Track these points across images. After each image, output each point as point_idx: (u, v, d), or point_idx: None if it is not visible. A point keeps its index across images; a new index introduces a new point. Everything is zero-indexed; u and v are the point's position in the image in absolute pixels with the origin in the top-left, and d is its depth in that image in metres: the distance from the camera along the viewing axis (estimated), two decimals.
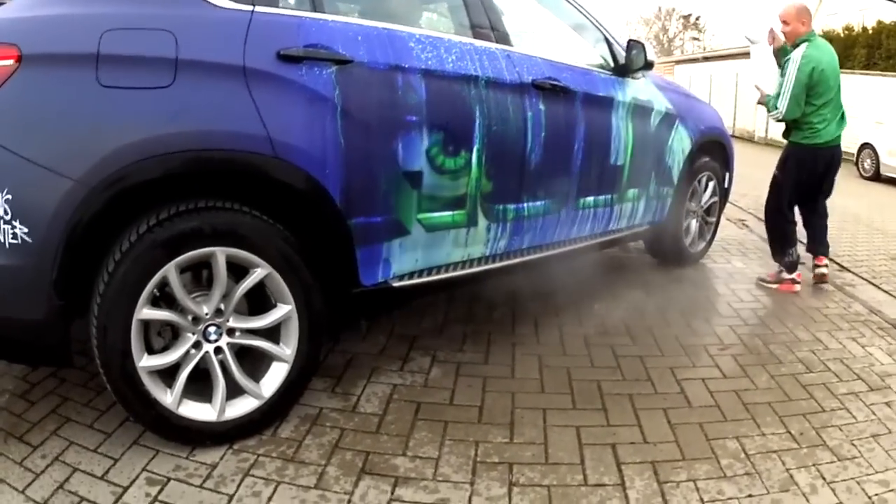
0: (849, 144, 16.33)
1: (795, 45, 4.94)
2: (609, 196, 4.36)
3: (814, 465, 2.77)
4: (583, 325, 4.17)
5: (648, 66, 4.30)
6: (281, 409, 2.85)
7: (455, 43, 3.27)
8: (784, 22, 4.99)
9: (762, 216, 7.77)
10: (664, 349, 3.86)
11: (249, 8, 2.64)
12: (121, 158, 2.31)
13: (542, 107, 3.59)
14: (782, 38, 5.10)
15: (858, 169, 15.07)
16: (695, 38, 51.72)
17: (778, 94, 4.97)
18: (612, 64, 4.36)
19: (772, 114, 5.06)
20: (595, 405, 3.17)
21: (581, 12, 4.31)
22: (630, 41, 4.34)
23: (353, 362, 3.47)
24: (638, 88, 4.49)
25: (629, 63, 4.32)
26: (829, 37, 20.67)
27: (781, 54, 5.09)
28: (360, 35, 2.89)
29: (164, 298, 2.58)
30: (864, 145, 15.03)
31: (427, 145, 3.07)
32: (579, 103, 3.88)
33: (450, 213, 3.28)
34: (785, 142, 5.30)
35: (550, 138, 3.66)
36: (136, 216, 2.47)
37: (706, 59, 29.86)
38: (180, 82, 2.41)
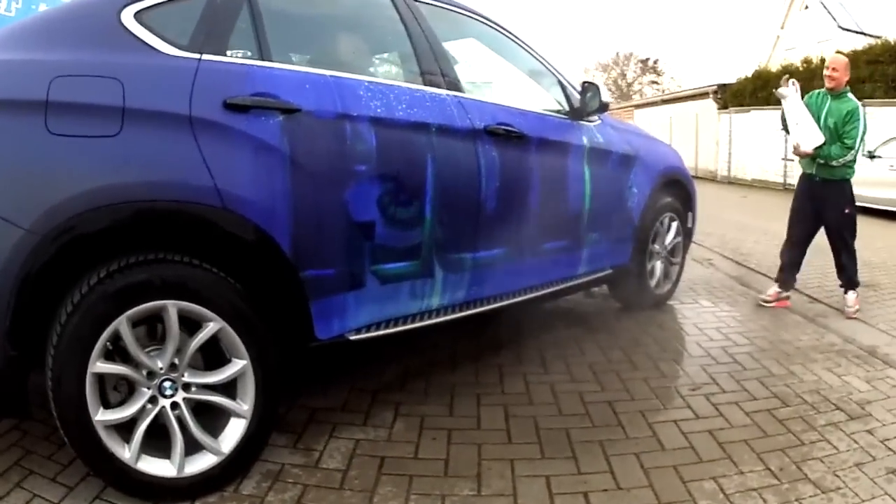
0: None
1: (839, 94, 5.50)
2: (569, 241, 4.33)
3: (796, 499, 2.72)
4: (548, 372, 4.09)
5: (603, 107, 4.31)
6: (241, 465, 2.76)
7: (405, 90, 3.25)
8: (834, 69, 5.49)
9: (728, 255, 7.84)
10: (634, 393, 3.79)
11: (197, 56, 2.62)
12: (69, 208, 2.27)
13: (495, 153, 3.56)
14: (795, 88, 5.63)
15: None
16: (653, 82, 52.56)
17: (834, 141, 5.42)
18: (567, 107, 4.36)
19: (847, 157, 5.40)
20: (564, 453, 3.09)
21: (534, 56, 4.32)
22: (584, 83, 4.34)
23: (314, 417, 3.37)
24: (594, 131, 4.48)
25: (584, 106, 4.32)
26: (789, 71, 21.07)
27: (829, 100, 5.54)
28: (307, 83, 2.86)
29: (118, 352, 2.50)
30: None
31: (378, 195, 3.02)
32: (534, 148, 3.86)
33: (405, 263, 3.23)
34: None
35: (506, 185, 3.63)
36: (86, 267, 2.41)
37: (665, 101, 30.26)
38: (127, 131, 2.37)
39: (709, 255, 8.18)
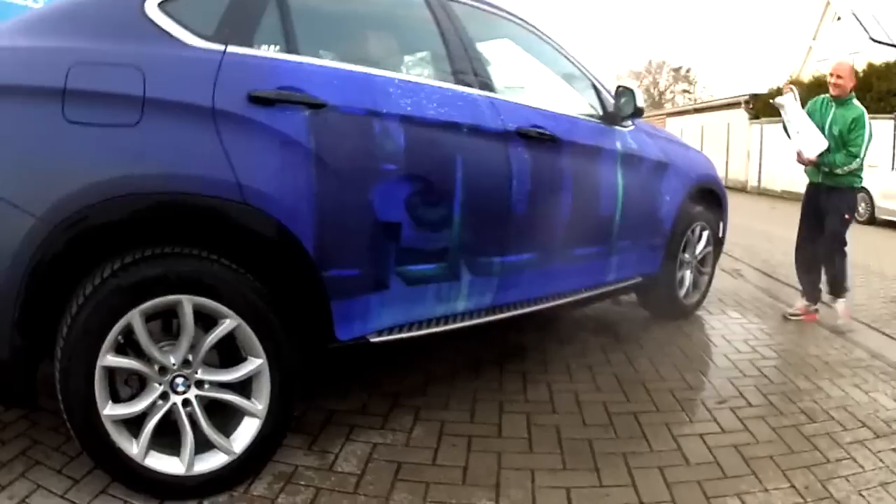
0: None
1: (844, 101, 5.44)
2: (599, 248, 4.25)
3: None
4: (573, 381, 4.02)
5: (638, 112, 4.23)
6: (253, 466, 2.70)
7: (436, 89, 3.19)
8: (839, 76, 5.41)
9: (756, 266, 7.73)
10: (659, 405, 3.71)
11: (221, 48, 2.56)
12: (83, 198, 2.22)
13: (527, 156, 3.49)
14: (793, 96, 5.62)
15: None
16: (686, 91, 52.32)
17: (839, 149, 5.42)
18: (600, 112, 4.29)
19: (851, 165, 5.38)
20: (587, 465, 3.01)
21: (568, 59, 4.25)
22: (619, 87, 4.26)
23: (332, 419, 3.31)
24: (627, 136, 4.41)
25: (618, 110, 4.25)
26: (820, 82, 20.82)
27: (833, 107, 5.50)
28: (335, 79, 2.81)
29: (131, 345, 2.45)
30: (858, 189, 15.04)
31: (406, 195, 2.96)
32: (566, 152, 3.79)
33: (431, 266, 3.17)
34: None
35: (536, 188, 3.56)
36: (99, 259, 2.37)
37: (697, 110, 30.14)
38: (147, 121, 2.32)
39: (737, 265, 8.10)
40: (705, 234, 5.44)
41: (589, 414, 3.55)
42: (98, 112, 2.27)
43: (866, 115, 5.38)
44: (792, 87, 5.68)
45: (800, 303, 5.85)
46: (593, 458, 3.08)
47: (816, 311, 5.78)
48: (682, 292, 5.36)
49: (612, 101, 4.29)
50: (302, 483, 2.75)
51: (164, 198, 2.37)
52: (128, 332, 2.38)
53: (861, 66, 20.35)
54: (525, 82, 4.14)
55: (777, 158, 21.74)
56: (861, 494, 2.82)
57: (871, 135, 5.37)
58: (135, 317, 2.34)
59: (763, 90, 23.91)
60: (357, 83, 2.86)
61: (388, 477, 2.83)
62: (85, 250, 2.32)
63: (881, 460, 3.13)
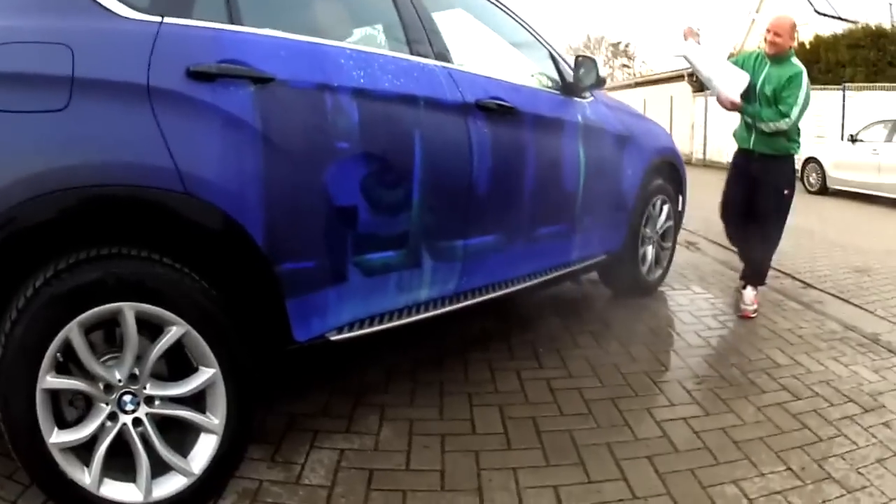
0: None
1: (780, 59, 4.80)
2: (563, 226, 4.06)
3: (824, 501, 2.56)
4: (543, 367, 3.82)
5: (600, 83, 4.02)
6: (215, 486, 2.44)
7: (391, 59, 2.92)
8: (776, 34, 4.78)
9: (712, 238, 7.64)
10: (637, 388, 3.55)
11: (157, 19, 2.24)
12: (8, 197, 1.91)
13: (487, 130, 3.26)
14: (695, 41, 4.96)
15: (804, 184, 15.19)
16: (625, 66, 52.61)
17: (771, 104, 4.77)
18: (559, 82, 4.07)
19: (779, 123, 4.72)
20: (571, 459, 2.83)
21: (524, 27, 4.02)
22: (578, 57, 4.05)
23: (293, 424, 3.05)
24: (588, 108, 4.21)
25: (578, 81, 4.03)
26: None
27: (767, 65, 4.86)
28: (283, 50, 2.51)
29: (72, 362, 2.16)
30: (809, 160, 15.26)
31: (361, 176, 2.70)
32: (527, 125, 3.57)
33: (390, 253, 2.92)
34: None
35: (498, 165, 3.33)
36: (32, 267, 2.09)
37: (638, 84, 30.29)
38: (76, 105, 2.00)
39: (693, 238, 8.01)
40: (665, 207, 5.30)
41: (565, 402, 3.36)
42: (22, 97, 1.95)
43: (805, 76, 4.73)
44: (692, 28, 4.99)
45: (749, 293, 5.06)
46: (577, 450, 2.90)
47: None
48: (645, 268, 5.22)
49: (570, 71, 4.07)
50: (269, 500, 2.50)
51: (98, 191, 2.07)
52: (67, 347, 2.09)
53: (808, 39, 20.59)
54: (481, 53, 3.88)
55: (722, 131, 21.90)
56: (860, 472, 2.74)
57: (807, 98, 4.72)
58: (73, 330, 2.05)
59: None
60: (306, 54, 2.58)
61: (361, 487, 2.59)
62: (15, 258, 2.03)
63: (873, 436, 3.06)
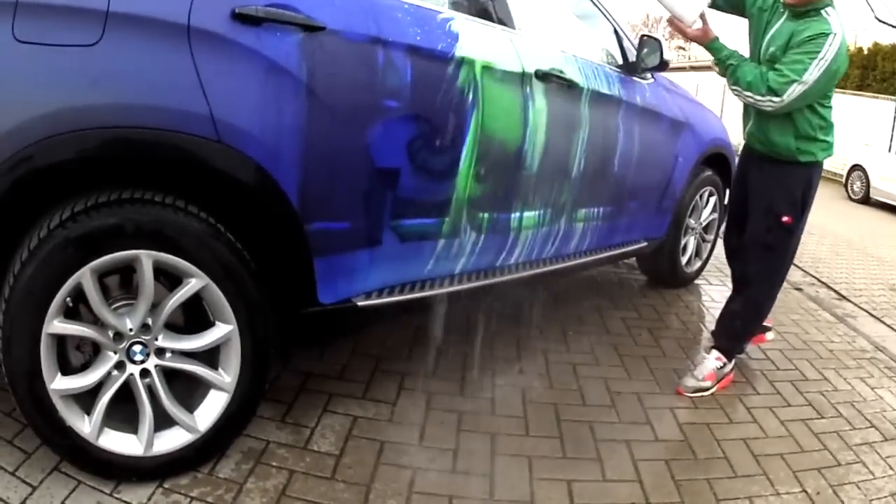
0: (836, 166, 16.30)
1: (804, 10, 3.04)
2: (609, 208, 3.93)
3: None
4: (570, 351, 3.72)
5: (663, 65, 3.86)
6: (218, 446, 2.38)
7: (449, 18, 2.77)
8: None
9: None
10: (663, 385, 3.45)
11: None
12: (28, 133, 1.81)
13: (544, 102, 3.12)
14: None
15: (847, 191, 14.92)
16: (680, 48, 51.66)
17: (774, 68, 3.07)
18: (620, 61, 3.92)
19: (760, 98, 3.08)
20: (588, 454, 2.75)
21: None
22: (643, 37, 3.88)
23: (307, 384, 2.99)
24: (647, 90, 4.05)
25: (640, 61, 3.87)
26: None
27: (784, 16, 3.14)
28: None
29: (83, 305, 2.10)
30: (855, 167, 14.95)
31: (408, 138, 2.58)
32: (585, 101, 3.42)
33: (430, 220, 2.81)
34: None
35: (551, 139, 3.20)
36: (47, 207, 2.01)
37: (693, 68, 29.71)
38: (108, 40, 1.88)
39: None
40: (712, 199, 5.14)
41: (589, 392, 3.28)
42: (54, 29, 1.84)
43: (834, 41, 2.92)
44: None
45: (711, 362, 3.53)
46: (595, 445, 2.83)
47: (767, 329, 3.92)
48: (685, 259, 5.08)
49: (633, 50, 3.92)
50: (273, 464, 2.44)
51: (123, 133, 1.96)
52: (78, 292, 2.02)
53: (867, 45, 20.14)
54: (545, 22, 3.72)
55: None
56: None
57: (829, 75, 2.96)
58: (85, 275, 1.98)
59: None
60: (361, 5, 2.44)
61: (370, 459, 2.53)
62: (31, 197, 1.95)
63: (890, 467, 2.97)
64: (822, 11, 3.01)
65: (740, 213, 3.57)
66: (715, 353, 3.55)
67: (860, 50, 20.59)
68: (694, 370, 3.50)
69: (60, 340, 2.07)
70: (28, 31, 1.79)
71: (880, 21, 23.36)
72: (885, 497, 2.72)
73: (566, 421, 2.97)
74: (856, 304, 5.59)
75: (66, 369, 2.09)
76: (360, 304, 2.63)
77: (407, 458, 2.56)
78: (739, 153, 3.74)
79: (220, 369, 2.27)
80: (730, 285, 3.97)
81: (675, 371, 3.62)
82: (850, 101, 17.51)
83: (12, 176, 1.82)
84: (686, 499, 2.53)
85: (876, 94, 18.49)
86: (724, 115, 24.16)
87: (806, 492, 2.67)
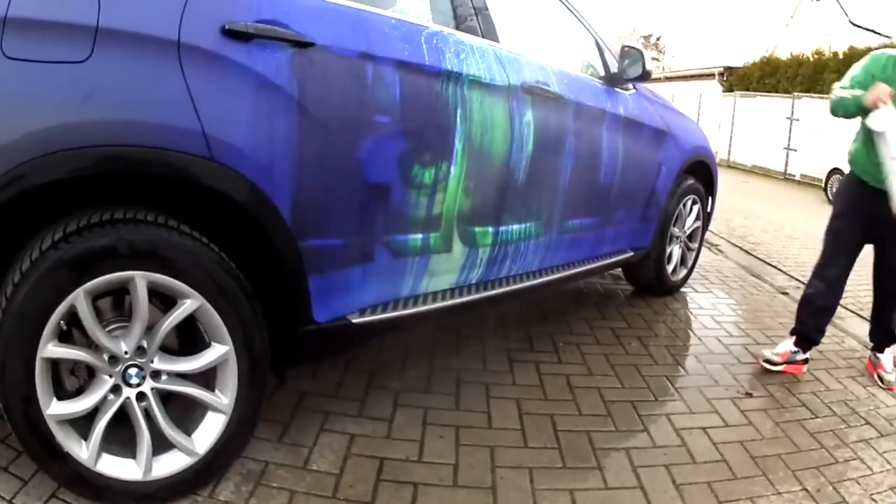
0: (815, 170, 16.41)
1: None
2: (596, 219, 3.95)
3: None
4: (562, 362, 3.72)
5: (645, 76, 3.90)
6: (219, 467, 2.35)
7: (437, 34, 2.78)
8: None
9: (735, 242, 7.52)
10: (656, 392, 3.45)
11: None
12: (19, 152, 1.78)
13: (530, 115, 3.15)
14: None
15: (827, 194, 14.98)
16: (654, 59, 52.04)
17: None
18: (601, 72, 3.95)
19: None
20: (588, 462, 2.75)
21: (571, 12, 3.89)
22: (624, 47, 3.94)
23: (303, 403, 2.98)
24: (630, 101, 4.09)
25: (622, 72, 3.92)
26: (799, 61, 20.73)
27: None
28: (325, 13, 2.37)
29: (77, 328, 2.06)
30: (834, 171, 14.99)
31: (398, 153, 2.58)
32: (570, 114, 3.45)
33: (422, 235, 2.81)
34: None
35: (538, 151, 3.22)
36: (39, 228, 1.98)
37: (668, 78, 30.02)
38: (98, 57, 1.86)
39: (716, 240, 7.89)
40: (696, 207, 5.19)
41: (584, 401, 3.28)
42: (43, 45, 1.82)
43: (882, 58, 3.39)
44: (882, 93, 3.33)
45: (785, 345, 3.97)
46: (594, 454, 2.83)
47: (806, 361, 3.98)
48: (670, 268, 5.11)
49: (615, 61, 3.95)
50: (274, 485, 2.41)
51: (115, 151, 1.94)
52: (72, 315, 1.99)
53: (842, 49, 20.31)
54: (528, 35, 3.74)
55: (748, 132, 21.81)
56: (873, 499, 2.70)
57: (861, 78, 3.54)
58: (79, 297, 1.95)
59: (737, 63, 24.22)
60: (350, 21, 2.44)
61: (371, 476, 2.51)
62: (23, 218, 1.93)
63: (888, 462, 3.01)
64: None
65: (852, 246, 3.93)
66: (794, 338, 3.94)
67: (835, 54, 20.76)
68: (885, 372, 3.93)
69: (54, 364, 2.03)
70: (17, 48, 1.77)
71: (854, 25, 23.63)
72: (884, 491, 2.75)
73: (563, 431, 2.97)
74: (842, 306, 5.57)
75: (62, 394, 2.06)
76: (354, 321, 2.61)
77: (408, 474, 2.55)
78: (849, 189, 3.88)
79: (216, 391, 2.25)
80: (716, 293, 4.17)
81: (667, 378, 3.63)
82: (828, 106, 17.63)
83: (3, 196, 1.79)
84: (689, 502, 2.54)
85: None
86: (702, 122, 24.47)
87: (806, 490, 2.68)
